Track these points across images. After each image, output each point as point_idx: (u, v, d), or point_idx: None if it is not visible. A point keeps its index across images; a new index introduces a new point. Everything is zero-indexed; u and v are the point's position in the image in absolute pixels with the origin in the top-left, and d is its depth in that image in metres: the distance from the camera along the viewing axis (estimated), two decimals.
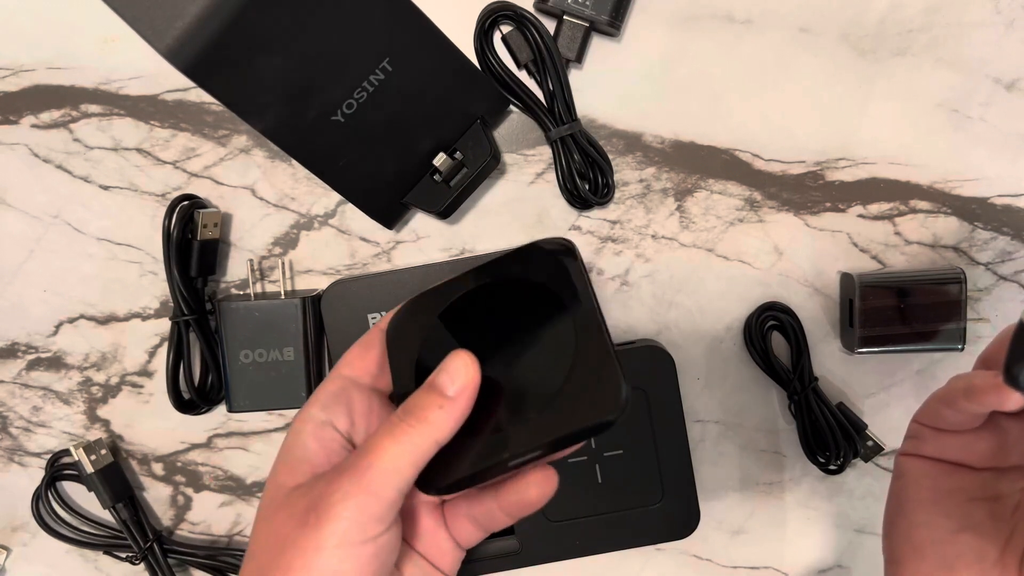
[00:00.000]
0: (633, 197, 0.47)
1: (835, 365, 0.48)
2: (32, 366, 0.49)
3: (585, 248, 0.47)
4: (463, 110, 0.44)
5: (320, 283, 0.48)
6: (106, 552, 0.49)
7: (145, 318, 0.48)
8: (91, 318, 0.48)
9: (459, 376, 0.29)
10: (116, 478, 0.48)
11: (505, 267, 0.32)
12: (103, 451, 0.47)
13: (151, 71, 0.46)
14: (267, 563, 0.29)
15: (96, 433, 0.49)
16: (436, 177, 0.44)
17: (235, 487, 0.50)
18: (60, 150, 0.47)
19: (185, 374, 0.47)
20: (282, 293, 0.47)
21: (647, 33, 0.46)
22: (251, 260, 0.47)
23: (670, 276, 0.48)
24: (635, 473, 0.46)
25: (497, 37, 0.46)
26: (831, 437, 0.46)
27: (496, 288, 0.32)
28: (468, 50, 0.44)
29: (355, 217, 0.47)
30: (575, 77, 0.46)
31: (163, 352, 0.48)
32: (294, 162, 0.45)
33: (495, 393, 0.30)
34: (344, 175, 0.43)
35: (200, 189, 0.47)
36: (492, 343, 0.31)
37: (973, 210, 0.47)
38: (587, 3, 0.44)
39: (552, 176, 0.47)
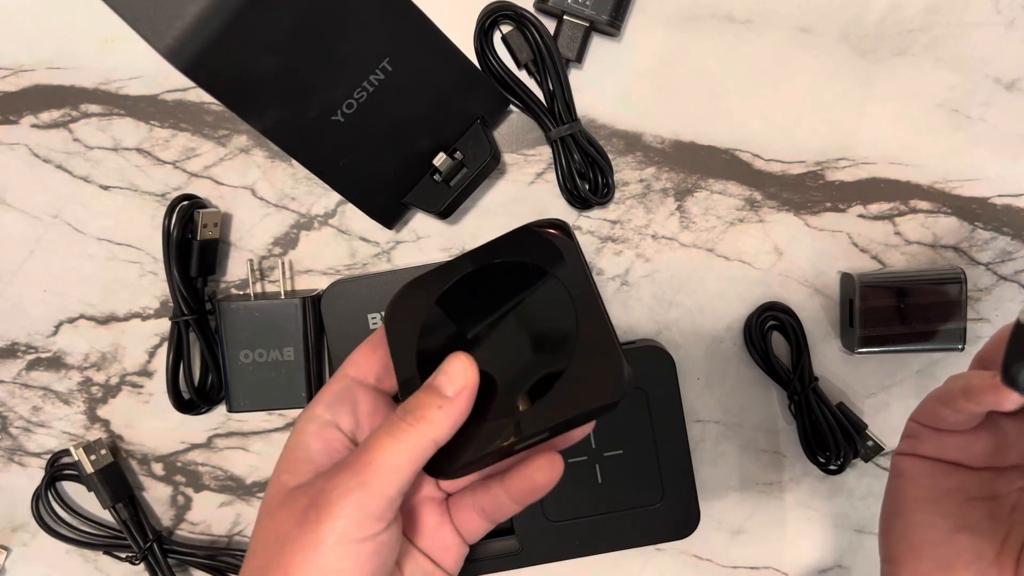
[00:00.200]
0: (633, 197, 0.47)
1: (835, 365, 0.48)
2: (32, 366, 0.49)
3: (585, 248, 0.47)
4: (463, 110, 0.44)
5: (320, 283, 0.48)
6: (106, 552, 0.49)
7: (145, 318, 0.48)
8: (91, 318, 0.48)
9: (458, 378, 0.29)
10: (116, 478, 0.48)
11: (502, 249, 0.33)
12: (103, 451, 0.47)
13: (151, 71, 0.46)
14: (267, 560, 0.29)
15: (96, 433, 0.49)
16: (436, 177, 0.44)
17: (235, 487, 0.50)
18: (60, 150, 0.47)
19: (185, 374, 0.47)
20: (282, 293, 0.47)
21: (647, 33, 0.46)
22: (251, 260, 0.47)
23: (670, 276, 0.48)
24: (635, 473, 0.46)
25: (497, 37, 0.46)
26: (831, 437, 0.46)
27: (493, 270, 0.32)
28: (468, 50, 0.44)
29: (355, 217, 0.47)
30: (575, 77, 0.46)
31: (163, 352, 0.48)
32: (294, 162, 0.45)
33: (499, 377, 0.31)
34: (344, 175, 0.43)
35: (200, 189, 0.47)
36: (492, 326, 0.32)
37: (973, 210, 0.47)
38: (587, 3, 0.44)
39: (552, 176, 0.47)
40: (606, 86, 0.46)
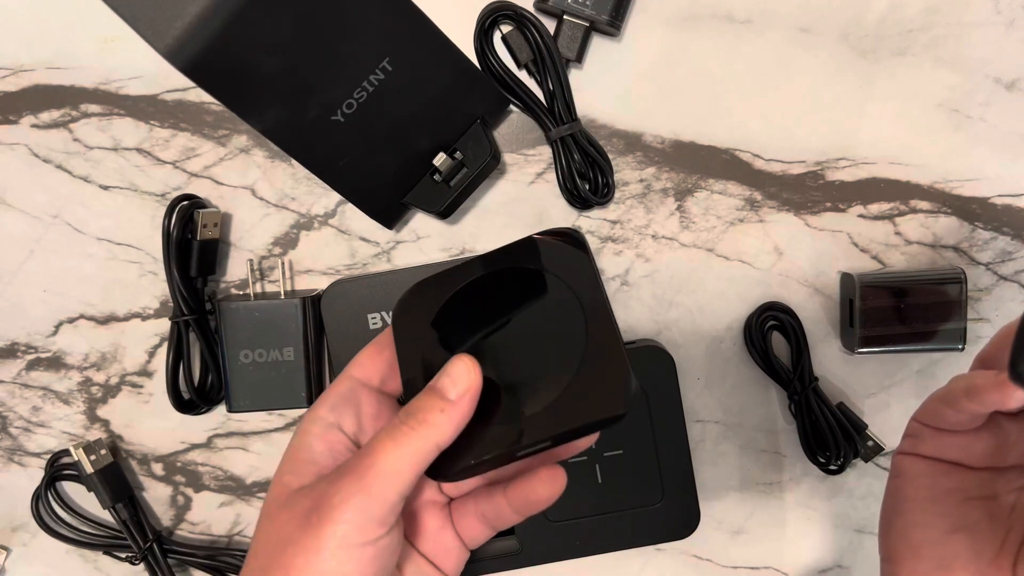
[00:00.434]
0: (633, 197, 0.47)
1: (835, 365, 0.48)
2: (32, 366, 0.49)
3: None
4: (463, 110, 0.44)
5: (320, 283, 0.48)
6: (106, 552, 0.49)
7: (145, 318, 0.48)
8: (91, 318, 0.48)
9: (461, 380, 0.29)
10: (116, 478, 0.48)
11: (513, 255, 0.32)
12: (103, 451, 0.47)
13: (151, 71, 0.46)
14: (268, 562, 0.29)
15: (96, 433, 0.49)
16: (436, 177, 0.44)
17: (235, 487, 0.50)
18: (60, 150, 0.47)
19: (185, 374, 0.47)
20: (282, 293, 0.47)
21: (647, 33, 0.46)
22: (251, 260, 0.47)
23: (670, 276, 0.48)
24: (635, 473, 0.46)
25: (497, 37, 0.46)
26: (831, 437, 0.46)
27: (504, 275, 0.32)
28: (468, 50, 0.44)
29: (355, 217, 0.47)
30: (575, 77, 0.46)
31: (163, 352, 0.48)
32: (294, 162, 0.45)
33: (504, 381, 0.31)
34: (344, 175, 0.43)
35: (200, 189, 0.47)
36: (500, 330, 0.31)
37: (973, 210, 0.47)
38: (587, 3, 0.44)
39: (552, 176, 0.47)
40: (606, 86, 0.46)
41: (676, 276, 0.48)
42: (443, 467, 0.30)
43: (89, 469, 0.46)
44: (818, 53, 0.46)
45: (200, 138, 0.47)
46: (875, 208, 0.47)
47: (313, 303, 0.46)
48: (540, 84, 0.45)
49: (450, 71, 0.42)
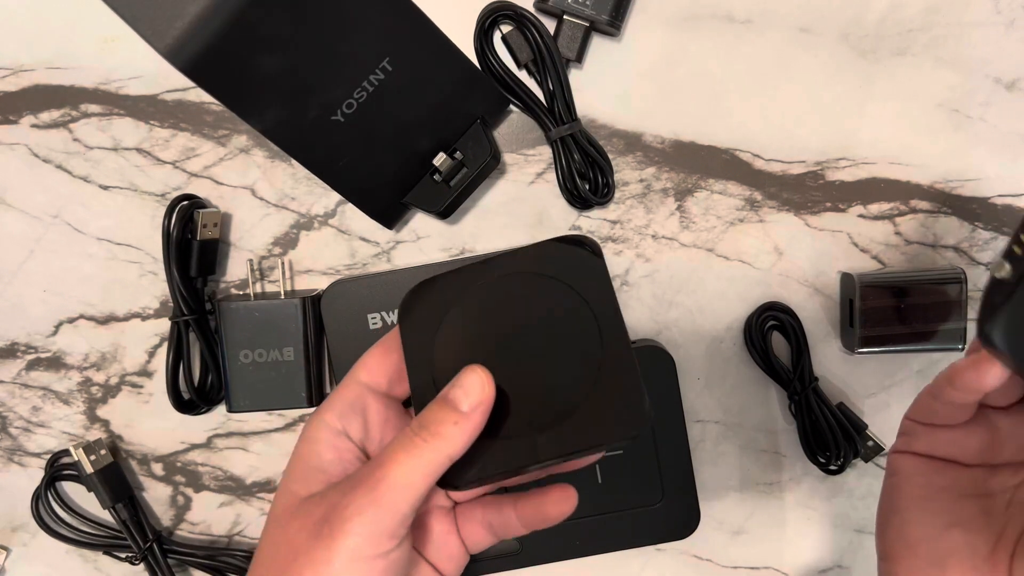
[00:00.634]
0: (633, 197, 0.47)
1: (835, 365, 0.48)
2: (32, 366, 0.49)
3: None
4: (463, 110, 0.44)
5: (320, 283, 0.48)
6: (106, 552, 0.49)
7: (145, 318, 0.48)
8: (91, 318, 0.48)
9: (474, 392, 0.29)
10: (116, 478, 0.48)
11: (526, 260, 0.32)
12: (103, 451, 0.47)
13: (151, 71, 0.46)
14: (277, 571, 0.29)
15: (96, 433, 0.49)
16: (436, 177, 0.44)
17: (235, 487, 0.50)
18: (60, 150, 0.47)
19: (185, 374, 0.47)
20: (282, 293, 0.47)
21: (647, 33, 0.46)
22: (251, 260, 0.47)
23: (670, 276, 0.48)
24: (635, 473, 0.46)
25: (497, 37, 0.46)
26: (831, 437, 0.46)
27: (517, 280, 0.32)
28: (468, 50, 0.44)
29: (355, 217, 0.47)
30: (575, 77, 0.46)
31: (163, 352, 0.48)
32: (294, 162, 0.45)
33: (516, 393, 0.30)
34: (344, 175, 0.43)
35: (200, 189, 0.47)
36: (512, 339, 0.31)
37: (973, 210, 0.47)
38: (587, 3, 0.44)
39: (552, 176, 0.47)
40: (606, 86, 0.46)
41: (676, 276, 0.48)
42: (454, 477, 0.30)
43: (89, 469, 0.46)
44: (818, 53, 0.46)
45: (200, 138, 0.47)
46: (875, 208, 0.47)
47: (313, 303, 0.46)
48: (540, 84, 0.45)
49: (450, 71, 0.42)
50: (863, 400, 0.48)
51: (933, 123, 0.46)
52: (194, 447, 0.49)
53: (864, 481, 0.49)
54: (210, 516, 0.50)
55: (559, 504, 0.32)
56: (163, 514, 0.50)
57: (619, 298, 0.48)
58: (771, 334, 0.47)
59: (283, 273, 0.47)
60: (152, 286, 0.48)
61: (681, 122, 0.47)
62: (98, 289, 0.48)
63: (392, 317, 0.46)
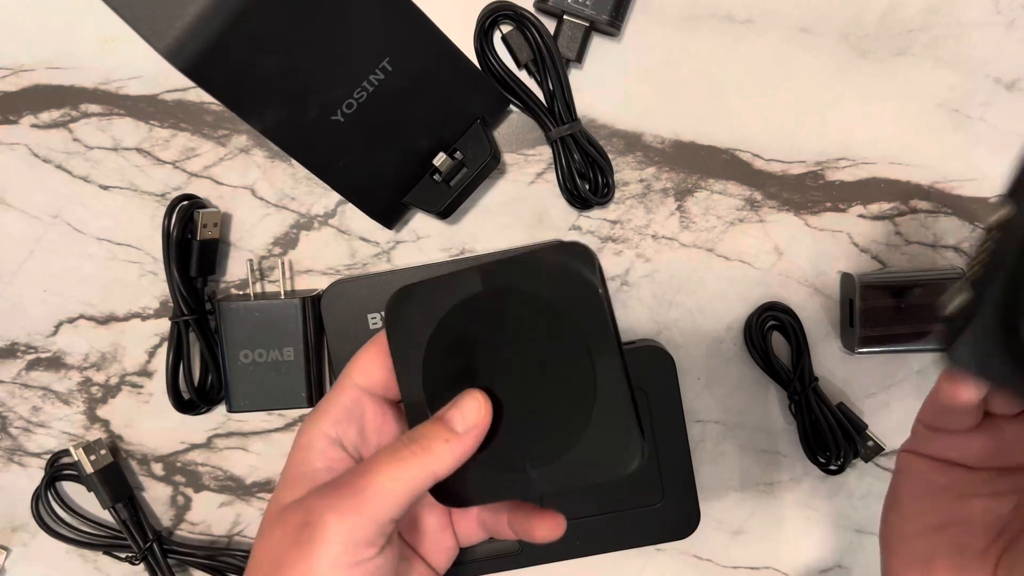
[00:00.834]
0: (633, 197, 0.47)
1: (835, 365, 0.48)
2: (32, 366, 0.49)
3: None
4: (463, 110, 0.44)
5: (320, 283, 0.48)
6: (106, 552, 0.49)
7: (145, 318, 0.48)
8: (91, 318, 0.48)
9: (470, 416, 0.29)
10: (116, 478, 0.48)
11: (519, 273, 0.30)
12: (103, 451, 0.47)
13: (151, 71, 0.46)
14: None
15: (96, 433, 0.49)
16: (436, 177, 0.44)
17: (235, 487, 0.50)
18: (60, 150, 0.47)
19: (185, 374, 0.47)
20: (282, 293, 0.47)
21: (647, 33, 0.46)
22: (251, 260, 0.47)
23: (670, 276, 0.48)
24: (635, 473, 0.45)
25: (497, 37, 0.46)
26: (831, 437, 0.46)
27: (509, 296, 0.30)
28: (468, 50, 0.44)
29: (355, 217, 0.47)
30: (575, 77, 0.46)
31: (163, 352, 0.48)
32: (294, 162, 0.45)
33: (509, 419, 0.30)
34: (344, 175, 0.43)
35: (200, 189, 0.47)
36: (504, 362, 0.30)
37: (973, 210, 0.47)
38: (587, 3, 0.44)
39: (552, 176, 0.47)
40: (606, 86, 0.46)
41: (676, 276, 0.48)
42: (447, 492, 0.31)
43: (89, 469, 0.46)
44: (818, 53, 0.46)
45: (200, 138, 0.47)
46: (875, 208, 0.47)
47: (313, 303, 0.46)
48: (540, 84, 0.45)
49: (450, 71, 0.42)
50: (863, 400, 0.48)
51: (933, 123, 0.46)
52: (194, 447, 0.49)
53: (864, 481, 0.49)
54: (210, 516, 0.50)
55: (546, 530, 0.32)
56: (163, 514, 0.50)
57: (620, 298, 0.48)
58: (771, 334, 0.47)
59: (283, 273, 0.47)
60: (152, 286, 0.48)
61: (681, 122, 0.47)
62: (98, 289, 0.48)
63: None
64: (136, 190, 0.47)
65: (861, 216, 0.47)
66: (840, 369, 0.48)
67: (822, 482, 0.49)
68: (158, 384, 0.48)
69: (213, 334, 0.47)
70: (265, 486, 0.50)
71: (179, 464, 0.49)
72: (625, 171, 0.47)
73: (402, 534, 0.34)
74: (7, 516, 0.50)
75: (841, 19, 0.46)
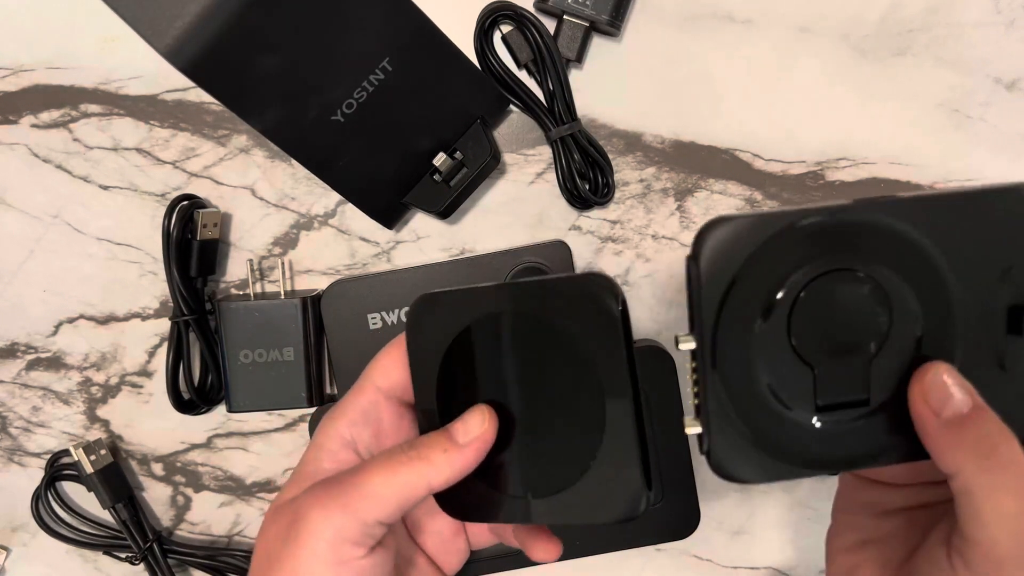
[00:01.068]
0: (633, 197, 0.47)
1: None
2: (32, 366, 0.49)
3: (585, 248, 0.47)
4: (463, 110, 0.44)
5: (320, 283, 0.48)
6: (106, 552, 0.49)
7: (145, 318, 0.48)
8: (91, 318, 0.48)
9: (473, 429, 0.29)
10: (116, 478, 0.48)
11: (544, 299, 0.29)
12: (103, 451, 0.47)
13: (151, 71, 0.46)
14: None
15: (96, 433, 0.49)
16: (436, 177, 0.44)
17: (235, 487, 0.50)
18: (60, 150, 0.47)
19: (185, 374, 0.47)
20: (282, 293, 0.47)
21: (647, 33, 0.46)
22: (251, 260, 0.47)
23: (670, 276, 0.48)
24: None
25: (497, 37, 0.46)
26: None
27: (530, 320, 0.29)
28: (468, 50, 0.44)
29: (355, 217, 0.47)
30: (575, 77, 0.46)
31: (163, 352, 0.48)
32: (294, 162, 0.45)
33: (518, 447, 0.30)
34: (344, 175, 0.43)
35: (200, 189, 0.47)
36: (519, 388, 0.30)
37: None
38: (587, 3, 0.44)
39: (552, 176, 0.47)
40: (606, 86, 0.46)
41: (676, 276, 0.48)
42: (452, 506, 0.31)
43: (89, 469, 0.46)
44: (818, 53, 0.46)
45: (200, 138, 0.47)
46: None
47: (313, 303, 0.46)
48: (540, 84, 0.45)
49: (450, 71, 0.42)
50: None
51: (933, 123, 0.46)
52: (194, 447, 0.49)
53: None
54: (210, 516, 0.50)
55: (541, 553, 0.33)
56: (163, 514, 0.50)
57: None
58: None
59: (283, 273, 0.47)
60: (152, 286, 0.48)
61: (681, 122, 0.47)
62: (98, 289, 0.48)
63: (392, 317, 0.46)
64: (136, 190, 0.47)
65: None
66: None
67: (822, 482, 0.49)
68: (158, 384, 0.48)
69: (213, 334, 0.47)
70: (265, 486, 0.50)
71: (179, 464, 0.49)
72: (625, 171, 0.47)
73: (413, 536, 0.34)
74: (7, 516, 0.50)
75: (841, 19, 0.46)
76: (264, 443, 0.49)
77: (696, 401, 0.28)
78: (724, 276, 0.27)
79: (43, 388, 0.49)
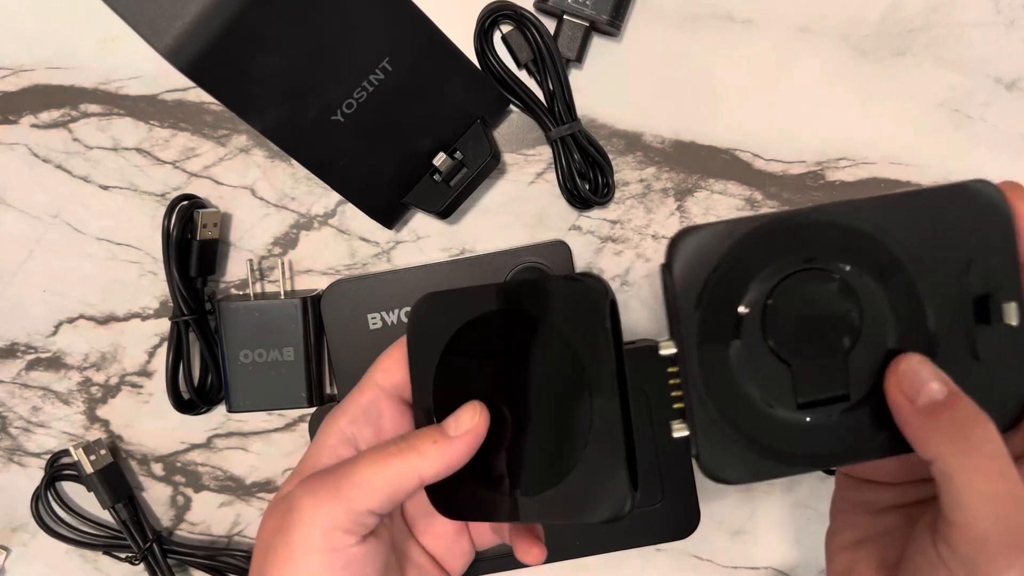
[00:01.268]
0: (633, 197, 0.47)
1: None
2: (32, 366, 0.49)
3: (585, 248, 0.47)
4: (463, 110, 0.44)
5: (320, 283, 0.48)
6: (106, 552, 0.49)
7: (145, 318, 0.48)
8: (91, 318, 0.48)
9: (463, 422, 0.29)
10: (115, 478, 0.48)
11: (538, 298, 0.30)
12: (103, 451, 0.47)
13: (151, 71, 0.46)
14: (256, 570, 0.30)
15: (96, 433, 0.49)
16: (436, 177, 0.44)
17: (235, 487, 0.50)
18: (60, 150, 0.47)
19: (185, 374, 0.47)
20: (282, 293, 0.47)
21: (647, 33, 0.46)
22: (251, 260, 0.47)
23: None
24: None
25: (497, 37, 0.46)
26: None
27: (526, 320, 0.30)
28: (468, 50, 0.44)
29: (355, 217, 0.47)
30: (575, 77, 0.46)
31: (163, 352, 0.48)
32: (294, 162, 0.45)
33: (508, 446, 0.30)
34: (344, 175, 0.43)
35: (200, 189, 0.47)
36: (511, 387, 0.30)
37: None
38: (587, 3, 0.44)
39: (552, 176, 0.47)
40: (606, 86, 0.46)
41: None
42: (443, 504, 0.31)
43: (89, 469, 0.46)
44: (818, 53, 0.46)
45: (200, 138, 0.47)
46: None
47: (313, 303, 0.46)
48: (540, 84, 0.45)
49: (450, 71, 0.42)
50: None
51: (933, 123, 0.46)
52: (194, 447, 0.49)
53: None
54: (210, 516, 0.50)
55: (528, 557, 0.33)
56: (163, 514, 0.50)
57: (620, 298, 0.48)
58: None
59: (283, 273, 0.47)
60: (152, 286, 0.48)
61: (681, 122, 0.47)
62: (98, 289, 0.48)
63: (392, 317, 0.46)
64: (136, 190, 0.47)
65: None
66: None
67: (822, 482, 0.49)
68: (158, 384, 0.48)
69: (213, 334, 0.47)
70: (265, 486, 0.50)
71: (179, 464, 0.49)
72: (625, 171, 0.47)
73: (417, 538, 0.34)
74: (7, 516, 0.50)
75: (841, 19, 0.46)
76: (264, 443, 0.49)
77: (681, 405, 0.29)
78: (697, 282, 0.28)
79: (43, 388, 0.49)
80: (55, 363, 0.49)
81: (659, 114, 0.47)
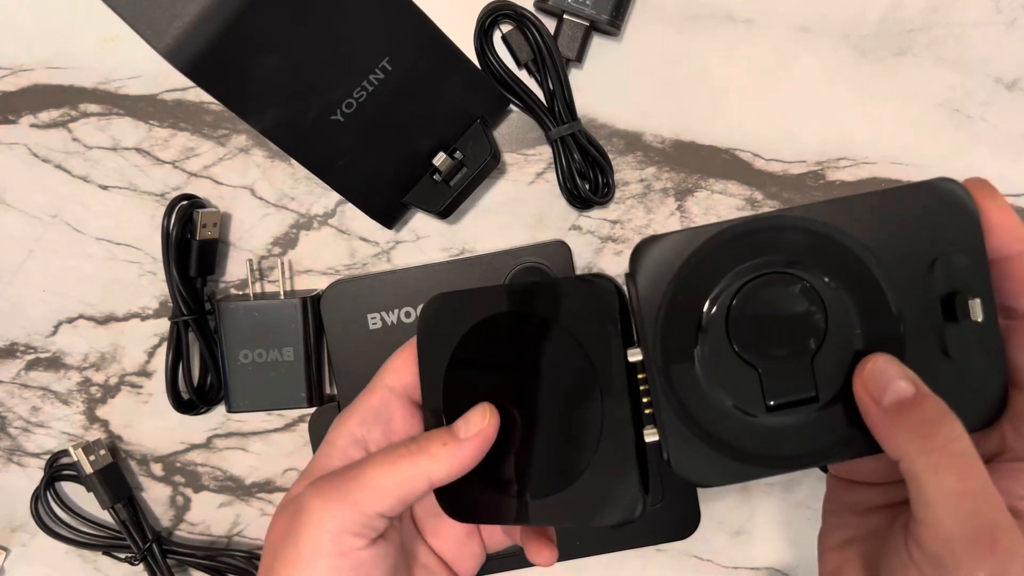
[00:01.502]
0: (633, 197, 0.47)
1: None
2: (31, 366, 0.49)
3: (585, 248, 0.47)
4: (463, 110, 0.44)
5: (320, 283, 0.48)
6: (105, 553, 0.49)
7: (144, 318, 0.48)
8: (90, 318, 0.48)
9: (473, 424, 0.29)
10: (115, 478, 0.48)
11: (548, 299, 0.30)
12: (102, 451, 0.47)
13: (151, 71, 0.46)
14: (264, 572, 0.30)
15: (95, 433, 0.49)
16: (436, 177, 0.44)
17: (234, 487, 0.50)
18: (59, 150, 0.47)
19: (184, 374, 0.47)
20: (281, 293, 0.47)
21: (647, 32, 0.46)
22: (250, 260, 0.47)
23: None
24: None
25: (497, 36, 0.46)
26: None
27: (537, 326, 0.30)
28: (468, 50, 0.43)
29: (355, 217, 0.47)
30: (575, 77, 0.46)
31: (162, 352, 0.48)
32: (294, 162, 0.45)
33: (519, 448, 0.30)
34: (344, 175, 0.43)
35: (199, 189, 0.47)
36: (522, 390, 0.30)
37: None
38: (587, 2, 0.44)
39: (552, 176, 0.47)
40: (606, 86, 0.46)
41: None
42: (453, 507, 0.31)
43: (88, 469, 0.46)
44: (818, 53, 0.46)
45: (200, 138, 0.47)
46: None
47: (313, 303, 0.46)
48: (540, 84, 0.45)
49: (450, 71, 0.42)
50: None
51: (933, 123, 0.46)
52: (194, 447, 0.49)
53: None
54: (209, 516, 0.50)
55: (540, 559, 0.33)
56: (162, 514, 0.50)
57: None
58: None
59: (283, 273, 0.47)
60: (151, 286, 0.48)
61: (681, 122, 0.47)
62: (98, 289, 0.48)
63: (392, 317, 0.46)
64: (136, 190, 0.47)
65: None
66: None
67: (822, 482, 0.49)
68: (158, 384, 0.48)
69: (213, 334, 0.47)
70: (265, 486, 0.49)
71: (179, 464, 0.49)
72: (625, 171, 0.47)
73: (427, 541, 0.34)
74: (6, 516, 0.50)
75: (841, 19, 0.46)
76: (264, 443, 0.49)
77: (651, 411, 0.29)
78: (659, 289, 0.28)
79: (43, 388, 0.49)
80: (55, 363, 0.49)
81: (659, 114, 0.47)
